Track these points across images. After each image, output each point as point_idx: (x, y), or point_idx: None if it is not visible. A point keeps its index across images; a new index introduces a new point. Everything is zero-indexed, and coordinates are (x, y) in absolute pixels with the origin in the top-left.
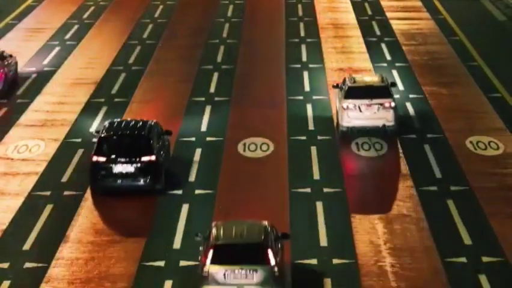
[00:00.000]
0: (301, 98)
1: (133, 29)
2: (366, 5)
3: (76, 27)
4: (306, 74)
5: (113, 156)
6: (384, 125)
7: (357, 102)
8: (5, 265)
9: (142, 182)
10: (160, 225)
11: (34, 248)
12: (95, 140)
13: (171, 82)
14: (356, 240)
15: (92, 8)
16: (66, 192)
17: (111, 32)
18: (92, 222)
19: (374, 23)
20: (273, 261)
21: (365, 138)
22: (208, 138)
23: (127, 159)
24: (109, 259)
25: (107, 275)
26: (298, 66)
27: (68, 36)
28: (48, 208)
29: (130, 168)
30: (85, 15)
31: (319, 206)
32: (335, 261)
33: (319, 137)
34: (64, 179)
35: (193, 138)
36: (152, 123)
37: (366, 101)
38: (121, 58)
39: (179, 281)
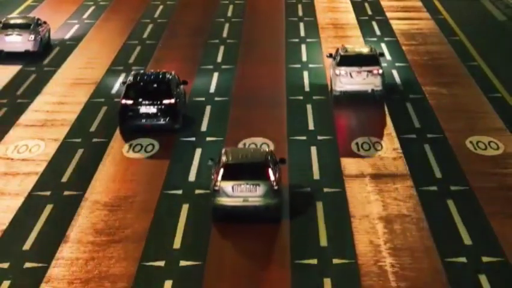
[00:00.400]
0: (301, 98)
1: (133, 29)
2: (366, 5)
3: (76, 27)
4: (306, 74)
5: (139, 99)
6: (372, 90)
7: (349, 69)
8: (5, 265)
9: (162, 121)
10: (160, 225)
11: (34, 248)
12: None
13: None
14: (356, 240)
15: (92, 8)
16: (66, 192)
17: (111, 32)
18: (92, 222)
19: (374, 23)
20: (272, 178)
21: (365, 138)
22: (208, 138)
23: (151, 102)
24: (109, 259)
25: (107, 275)
26: (298, 66)
27: (68, 36)
28: (48, 208)
29: (153, 109)
30: (85, 15)
31: (319, 206)
32: (335, 261)
33: (319, 137)
34: (64, 179)
35: (193, 138)
36: (171, 73)
37: (357, 68)
38: (121, 58)
39: (179, 281)
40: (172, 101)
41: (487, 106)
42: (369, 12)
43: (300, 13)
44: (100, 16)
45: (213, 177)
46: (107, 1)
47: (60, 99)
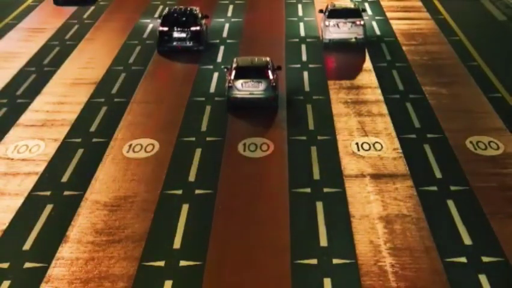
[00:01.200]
0: (301, 98)
1: (133, 29)
2: (366, 5)
3: (76, 27)
4: (306, 74)
5: (173, 27)
6: (356, 38)
7: (336, 20)
8: (5, 265)
9: (189, 43)
10: (160, 225)
11: (34, 248)
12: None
13: (171, 82)
14: (356, 240)
15: (92, 8)
16: (66, 192)
17: (111, 32)
18: (92, 222)
19: (374, 23)
20: (271, 77)
21: (365, 138)
22: (208, 138)
23: (181, 29)
24: (109, 259)
25: (107, 275)
26: (298, 66)
27: (68, 36)
28: (48, 208)
29: (183, 34)
30: (85, 15)
31: (319, 206)
32: (335, 261)
33: (319, 137)
34: (64, 179)
35: (193, 138)
36: (197, 9)
37: (343, 20)
38: (121, 58)
39: (179, 281)
40: (198, 28)
41: (487, 106)
42: (369, 12)
43: (300, 13)
44: (100, 16)
45: (227, 78)
46: (107, 1)
47: (60, 99)
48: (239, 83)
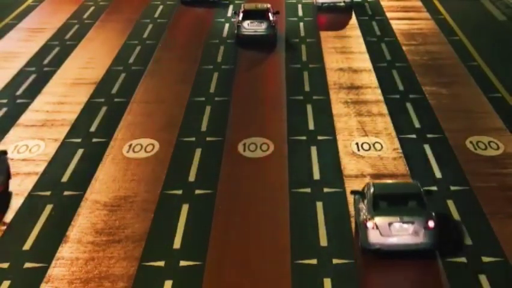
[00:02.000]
0: (301, 98)
1: (133, 29)
2: (366, 5)
3: (76, 27)
4: (306, 74)
5: None
6: (344, 1)
7: None
8: (5, 265)
9: None
10: (160, 225)
11: (34, 248)
12: None
13: (171, 82)
14: (356, 240)
15: (92, 8)
16: (66, 192)
17: (111, 32)
18: (92, 222)
19: (374, 23)
20: (271, 19)
21: (365, 138)
22: (208, 138)
23: None
24: (109, 259)
25: (107, 275)
26: (298, 66)
27: (68, 36)
28: (48, 208)
29: None
30: (85, 15)
31: (319, 206)
32: (335, 261)
33: (319, 137)
34: (64, 179)
35: (193, 139)
36: None
37: None
38: (121, 58)
39: (179, 281)
40: None
41: (487, 106)
42: (369, 12)
43: (300, 13)
44: (100, 16)
45: (236, 19)
46: (107, 1)
47: (60, 99)
48: (246, 23)
